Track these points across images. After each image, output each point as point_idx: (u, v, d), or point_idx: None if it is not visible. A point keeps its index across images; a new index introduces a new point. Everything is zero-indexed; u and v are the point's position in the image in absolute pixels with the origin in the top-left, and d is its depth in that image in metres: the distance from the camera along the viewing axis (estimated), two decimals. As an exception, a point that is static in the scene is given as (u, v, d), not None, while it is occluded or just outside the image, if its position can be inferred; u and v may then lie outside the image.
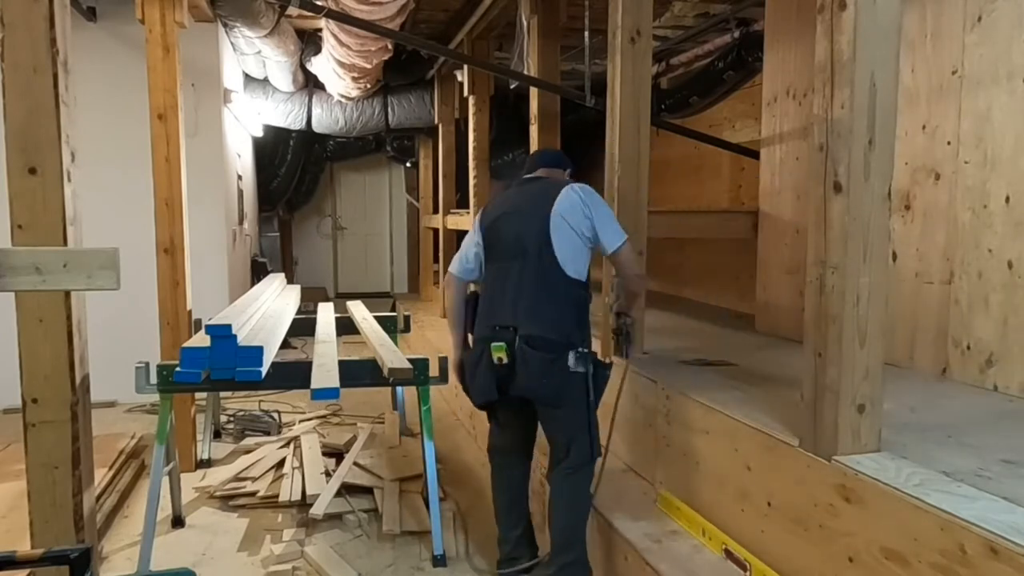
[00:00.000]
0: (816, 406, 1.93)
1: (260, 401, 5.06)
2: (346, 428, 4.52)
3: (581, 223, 2.52)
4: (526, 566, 2.68)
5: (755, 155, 3.94)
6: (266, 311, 3.68)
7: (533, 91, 4.32)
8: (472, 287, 2.82)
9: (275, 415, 4.70)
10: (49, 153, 2.08)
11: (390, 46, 5.69)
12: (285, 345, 3.61)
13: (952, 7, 2.71)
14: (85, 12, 4.99)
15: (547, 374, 2.45)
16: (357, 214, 10.29)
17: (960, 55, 2.69)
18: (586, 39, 4.27)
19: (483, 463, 4.12)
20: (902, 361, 2.91)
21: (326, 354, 3.14)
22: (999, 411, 2.38)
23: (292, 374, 2.98)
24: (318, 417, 4.74)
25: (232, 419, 4.67)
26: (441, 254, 7.32)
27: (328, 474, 3.67)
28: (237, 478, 3.68)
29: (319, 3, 4.24)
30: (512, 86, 6.02)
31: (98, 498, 3.11)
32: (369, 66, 5.98)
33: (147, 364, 2.93)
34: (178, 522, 3.30)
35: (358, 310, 4.34)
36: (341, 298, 8.08)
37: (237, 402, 5.06)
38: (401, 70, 6.96)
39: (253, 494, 3.56)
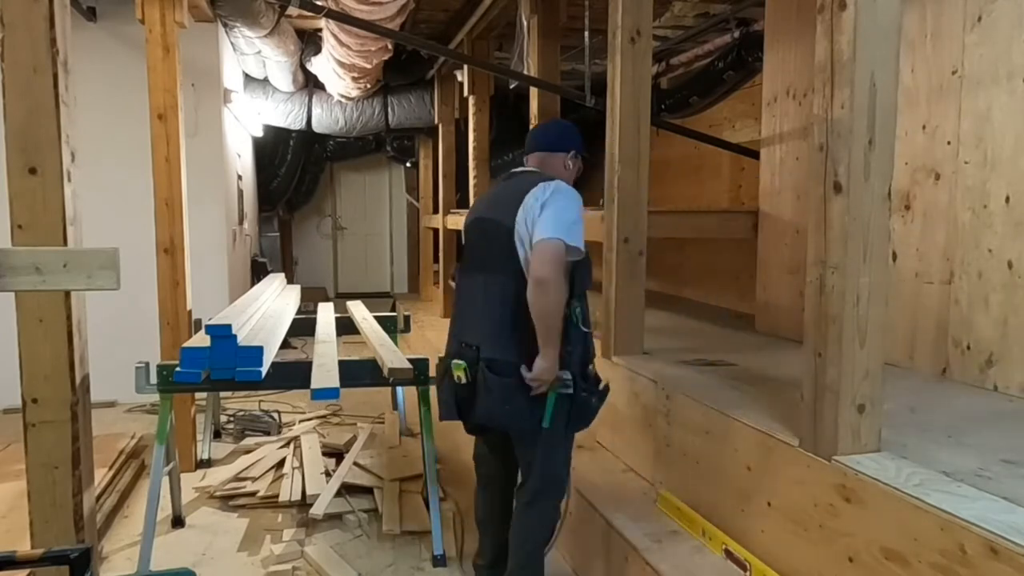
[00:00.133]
0: (816, 406, 1.93)
1: (260, 401, 5.06)
2: (346, 428, 4.52)
3: (532, 227, 2.17)
4: None
5: (755, 155, 3.94)
6: (266, 311, 3.68)
7: (533, 91, 4.32)
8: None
9: (275, 415, 4.70)
10: (49, 153, 2.08)
11: (390, 46, 5.69)
12: (285, 345, 3.62)
13: (952, 7, 2.71)
14: (85, 12, 4.99)
15: (508, 400, 2.19)
16: (357, 214, 10.30)
17: (960, 55, 2.69)
18: (586, 39, 4.28)
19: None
20: (902, 361, 2.91)
21: (326, 354, 3.14)
22: (999, 411, 2.38)
23: (292, 374, 2.98)
24: (318, 417, 4.74)
25: (232, 419, 4.67)
26: (441, 254, 7.32)
27: (328, 474, 3.67)
28: (237, 478, 3.68)
29: (319, 3, 4.24)
30: (512, 86, 6.03)
31: (98, 498, 3.11)
32: (369, 66, 5.98)
33: (147, 364, 2.93)
34: (178, 522, 3.30)
35: (358, 310, 4.34)
36: (341, 298, 8.08)
37: (237, 402, 5.06)
38: (401, 70, 6.96)
39: (253, 494, 3.56)
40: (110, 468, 3.55)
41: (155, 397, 3.03)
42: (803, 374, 1.99)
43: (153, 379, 2.91)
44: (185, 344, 2.77)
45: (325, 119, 7.32)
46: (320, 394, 2.65)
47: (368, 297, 5.66)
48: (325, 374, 2.79)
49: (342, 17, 4.40)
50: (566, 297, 2.16)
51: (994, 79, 2.56)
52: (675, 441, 2.65)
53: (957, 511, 1.53)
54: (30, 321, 2.12)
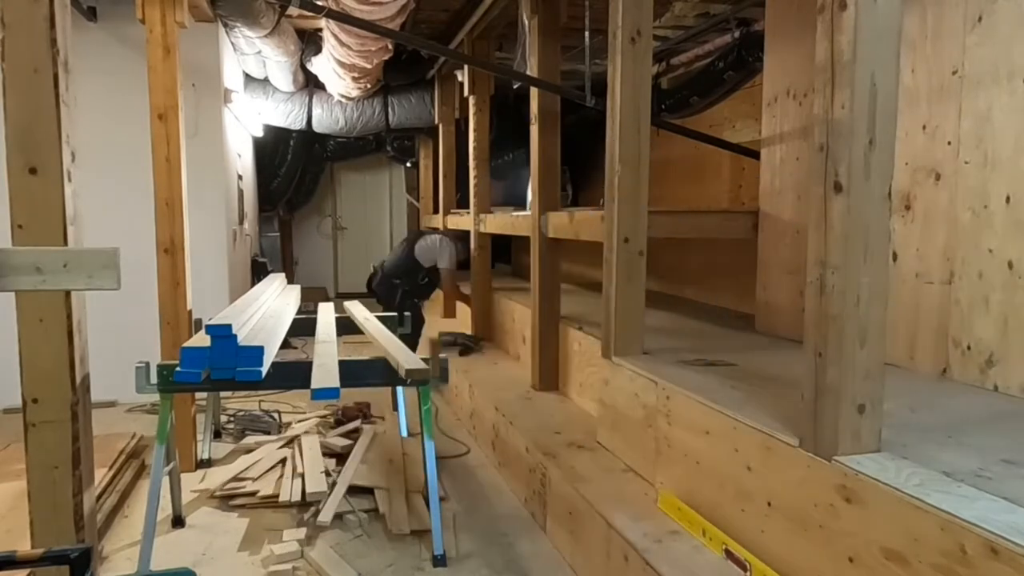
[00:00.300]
0: (816, 406, 1.93)
1: (260, 401, 5.06)
2: (346, 428, 4.52)
3: None
4: None
5: (755, 155, 3.93)
6: (266, 311, 3.68)
7: (533, 91, 4.32)
8: None
9: (275, 415, 4.70)
10: (49, 153, 2.08)
11: (390, 46, 5.69)
12: (285, 345, 3.61)
13: (952, 7, 2.71)
14: (85, 12, 4.99)
15: None
16: (357, 214, 10.30)
17: (960, 55, 2.69)
18: (586, 39, 4.27)
19: (483, 463, 4.13)
20: (902, 361, 2.90)
21: (326, 354, 3.14)
22: (999, 411, 2.38)
23: (292, 374, 2.97)
24: (318, 417, 4.74)
25: (232, 419, 4.67)
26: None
27: (328, 474, 3.67)
28: (237, 478, 3.68)
29: (319, 3, 4.24)
30: (515, 86, 6.03)
31: (98, 498, 3.11)
32: (369, 66, 5.98)
33: (147, 364, 2.93)
34: (178, 522, 3.30)
35: (357, 310, 4.34)
36: (341, 298, 8.08)
37: (237, 402, 5.06)
38: (401, 70, 6.96)
39: (253, 494, 3.56)
40: (110, 468, 3.55)
41: (155, 397, 3.02)
42: (803, 374, 1.99)
43: (153, 379, 2.91)
44: (185, 344, 2.77)
45: (325, 119, 7.32)
46: (320, 394, 2.65)
47: (368, 297, 5.66)
48: (325, 374, 2.79)
49: (342, 17, 4.40)
50: None
51: (994, 79, 2.56)
52: (675, 441, 2.65)
53: (957, 511, 1.53)
54: (30, 321, 2.12)
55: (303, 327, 4.06)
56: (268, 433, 4.45)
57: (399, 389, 4.58)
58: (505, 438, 3.89)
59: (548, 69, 4.28)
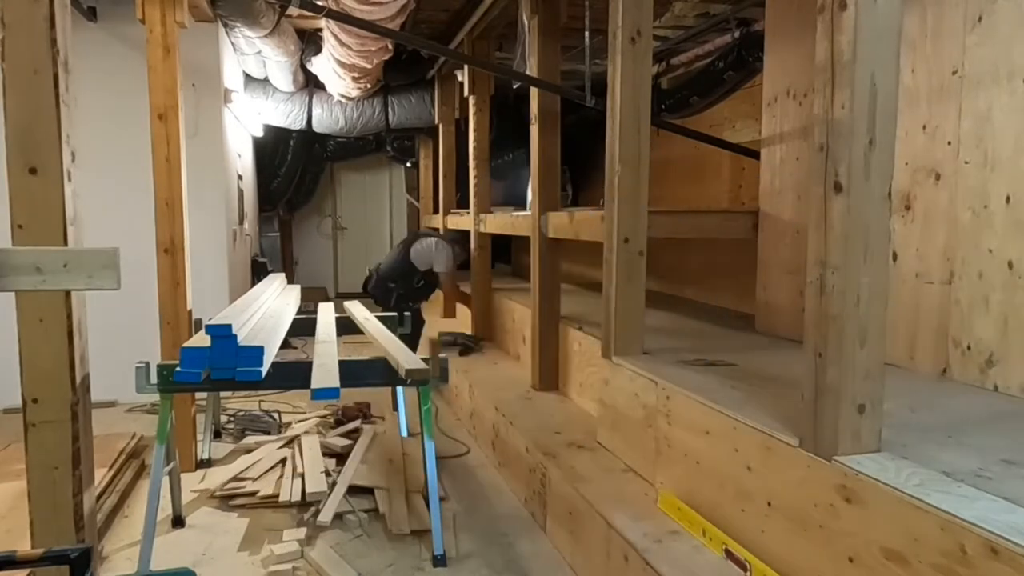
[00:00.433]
0: (816, 406, 1.93)
1: (260, 401, 5.06)
2: (346, 428, 4.52)
3: None
4: None
5: (755, 155, 3.93)
6: (266, 311, 3.68)
7: (533, 91, 4.32)
8: None
9: (275, 415, 4.70)
10: (49, 153, 2.08)
11: (390, 46, 5.69)
12: (285, 345, 3.61)
13: (952, 7, 2.71)
14: (85, 12, 4.99)
15: None
16: (357, 214, 10.30)
17: (960, 55, 2.69)
18: (586, 39, 4.27)
19: (483, 463, 4.13)
20: (902, 361, 2.90)
21: (326, 354, 3.14)
22: (999, 411, 2.38)
23: (292, 374, 2.97)
24: (318, 417, 4.74)
25: (232, 419, 4.67)
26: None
27: (328, 474, 3.67)
28: (237, 478, 3.68)
29: (319, 3, 4.24)
30: (514, 86, 6.03)
31: (98, 498, 3.11)
32: (369, 66, 5.98)
33: (147, 364, 2.93)
34: (178, 522, 3.30)
35: (357, 310, 4.34)
36: (341, 298, 8.08)
37: (237, 402, 5.06)
38: (401, 70, 6.96)
39: (253, 494, 3.56)
40: (110, 468, 3.55)
41: (155, 397, 3.02)
42: (803, 374, 1.99)
43: (153, 379, 2.90)
44: (185, 344, 2.77)
45: (325, 119, 7.31)
46: (320, 394, 2.65)
47: (367, 297, 5.66)
48: (325, 374, 2.79)
49: (342, 17, 4.40)
50: None
51: (994, 79, 2.56)
52: (675, 441, 2.65)
53: (957, 511, 1.53)
54: (30, 321, 2.11)
55: (303, 327, 4.06)
56: (268, 433, 4.45)
57: (399, 389, 4.58)
58: (505, 438, 3.89)
59: (548, 69, 4.28)
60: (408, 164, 9.81)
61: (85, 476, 2.25)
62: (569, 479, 2.98)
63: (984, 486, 1.68)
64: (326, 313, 4.22)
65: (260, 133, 7.25)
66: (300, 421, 4.64)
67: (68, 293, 2.12)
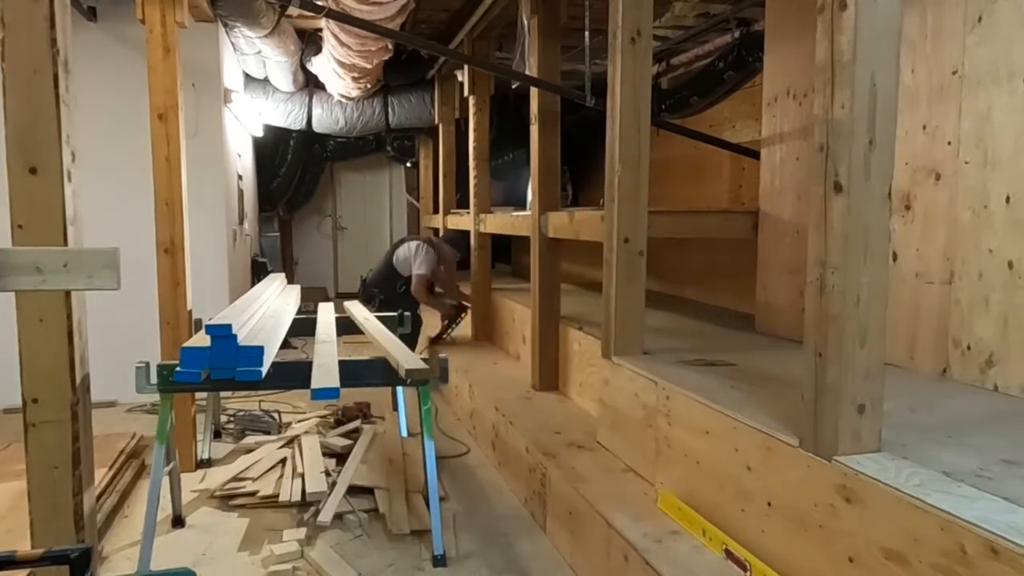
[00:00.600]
0: (816, 406, 1.93)
1: (260, 401, 5.06)
2: (346, 428, 4.52)
3: None
4: None
5: (755, 155, 3.93)
6: (266, 311, 3.68)
7: (533, 91, 4.32)
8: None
9: (275, 415, 4.70)
10: (49, 153, 2.08)
11: (390, 46, 5.69)
12: (285, 345, 3.61)
13: (952, 7, 2.71)
14: (85, 12, 4.99)
15: None
16: (357, 214, 10.30)
17: (960, 55, 2.69)
18: (586, 39, 4.27)
19: (483, 463, 4.13)
20: (902, 361, 2.90)
21: (326, 354, 3.14)
22: (999, 411, 2.38)
23: (292, 374, 2.97)
24: (318, 417, 4.74)
25: (232, 419, 4.67)
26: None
27: (328, 474, 3.67)
28: (237, 478, 3.68)
29: (319, 3, 4.24)
30: (514, 86, 6.03)
31: (98, 498, 3.11)
32: (369, 66, 5.98)
33: (147, 364, 2.93)
34: (178, 522, 3.30)
35: (357, 310, 4.34)
36: (341, 298, 8.08)
37: (237, 402, 5.06)
38: (401, 70, 6.96)
39: (253, 494, 3.56)
40: (110, 468, 3.55)
41: (155, 397, 3.02)
42: (803, 374, 1.99)
43: (153, 379, 2.90)
44: (185, 344, 2.77)
45: (325, 119, 7.31)
46: (320, 394, 2.65)
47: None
48: (325, 374, 2.79)
49: (342, 17, 4.40)
50: None
51: (994, 79, 2.56)
52: (675, 441, 2.65)
53: (957, 511, 1.53)
54: (30, 321, 2.11)
55: (303, 327, 4.06)
56: (268, 433, 4.45)
57: (399, 389, 4.58)
58: (505, 438, 3.89)
59: (548, 69, 4.28)
60: (408, 164, 9.81)
61: (85, 476, 2.25)
62: (569, 479, 2.98)
63: (984, 486, 1.68)
64: (326, 313, 4.22)
65: (260, 133, 7.25)
66: (300, 421, 4.64)
67: (68, 293, 2.12)
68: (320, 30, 5.70)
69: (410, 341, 4.60)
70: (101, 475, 3.34)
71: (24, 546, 2.26)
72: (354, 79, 6.37)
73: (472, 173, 6.22)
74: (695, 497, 2.49)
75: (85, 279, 1.94)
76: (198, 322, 3.89)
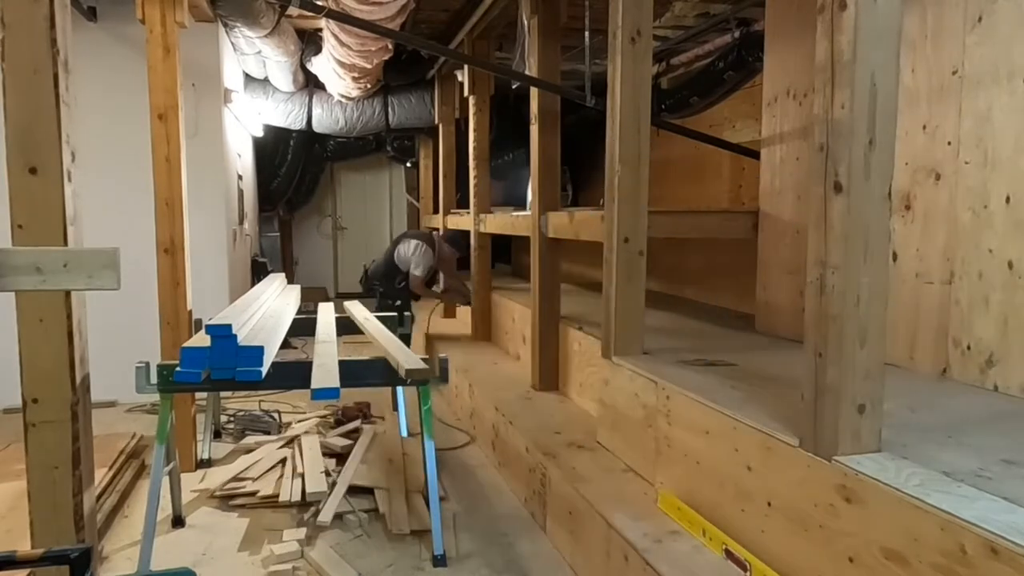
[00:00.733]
0: (816, 406, 1.93)
1: (260, 401, 5.06)
2: (346, 428, 4.52)
3: None
4: None
5: (755, 155, 3.93)
6: (266, 311, 3.68)
7: (533, 91, 4.32)
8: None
9: (275, 415, 4.70)
10: (49, 153, 2.08)
11: (390, 46, 5.69)
12: (285, 345, 3.61)
13: (952, 7, 2.71)
14: (85, 12, 4.99)
15: None
16: (357, 214, 10.30)
17: (960, 55, 2.69)
18: (586, 39, 4.27)
19: (483, 463, 4.13)
20: (902, 361, 2.90)
21: (326, 354, 3.14)
22: (999, 411, 2.38)
23: (292, 374, 2.97)
24: (318, 417, 4.74)
25: (232, 419, 4.67)
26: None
27: (328, 474, 3.67)
28: (237, 478, 3.68)
29: (319, 3, 4.24)
30: (514, 86, 6.03)
31: (98, 498, 3.11)
32: (369, 66, 5.98)
33: (147, 364, 2.93)
34: (178, 522, 3.30)
35: (357, 310, 4.34)
36: (341, 298, 8.09)
37: (237, 402, 5.06)
38: (401, 70, 6.96)
39: (253, 494, 3.56)
40: (110, 468, 3.55)
41: (155, 397, 3.02)
42: (803, 374, 1.99)
43: (153, 379, 2.90)
44: (185, 344, 2.77)
45: (325, 119, 7.31)
46: (320, 394, 2.65)
47: (367, 297, 5.69)
48: (325, 374, 2.79)
49: (342, 17, 4.40)
50: None
51: (994, 79, 2.56)
52: (675, 441, 2.65)
53: (957, 511, 1.53)
54: (30, 321, 2.11)
55: (303, 327, 4.06)
56: (268, 433, 4.45)
57: (399, 389, 4.58)
58: (505, 438, 3.89)
59: (548, 69, 4.28)
60: (408, 164, 9.81)
61: (85, 476, 2.25)
62: (569, 479, 2.98)
63: (984, 486, 1.68)
64: (326, 313, 4.22)
65: (260, 133, 7.25)
66: (300, 421, 4.64)
67: (68, 293, 2.12)
68: (320, 30, 5.70)
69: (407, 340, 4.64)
70: (101, 475, 3.34)
71: (24, 546, 2.26)
72: (354, 79, 6.37)
73: (472, 173, 6.22)
74: (695, 497, 2.49)
75: (85, 279, 1.94)
76: (198, 322, 3.89)
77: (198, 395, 4.14)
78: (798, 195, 3.39)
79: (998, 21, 2.55)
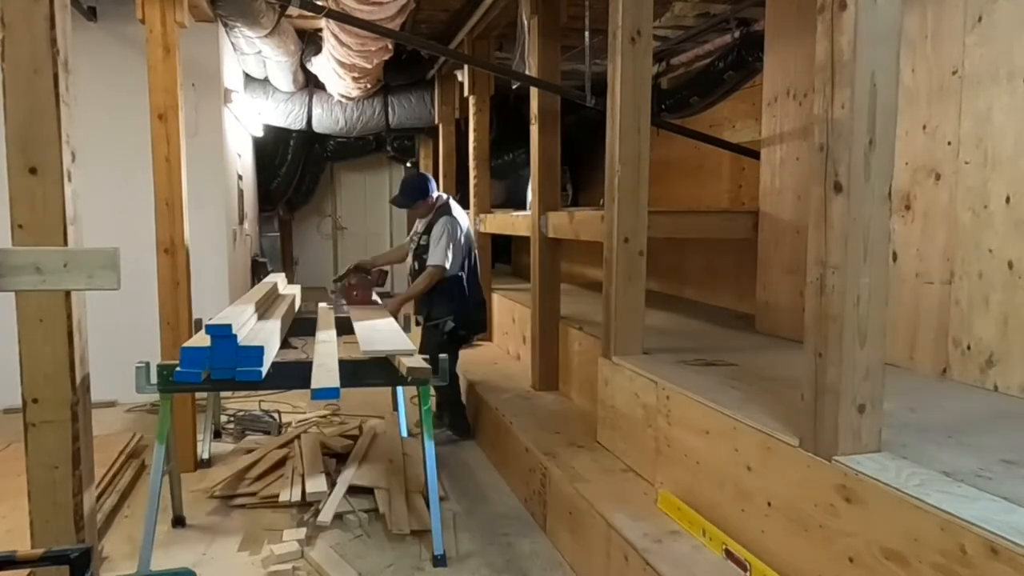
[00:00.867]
0: (816, 406, 1.93)
1: (260, 401, 5.05)
2: (346, 428, 4.52)
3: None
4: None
5: (755, 155, 3.94)
6: (266, 311, 3.67)
7: (533, 91, 4.32)
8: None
9: (275, 415, 4.70)
10: (49, 153, 2.08)
11: (390, 46, 5.69)
12: (285, 345, 3.61)
13: (952, 7, 2.71)
14: (85, 12, 4.99)
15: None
16: (357, 214, 10.29)
17: (960, 55, 2.69)
18: (586, 39, 4.27)
19: (483, 463, 4.13)
20: (902, 361, 2.90)
21: (326, 354, 3.13)
22: (999, 411, 2.38)
23: (292, 374, 2.97)
24: (318, 417, 4.74)
25: (232, 419, 4.67)
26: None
27: (328, 474, 3.67)
28: (237, 478, 3.68)
29: (319, 3, 4.24)
30: (514, 86, 6.03)
31: (98, 498, 3.11)
32: (369, 66, 5.98)
33: (147, 364, 2.93)
34: (178, 522, 3.30)
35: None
36: (341, 298, 8.09)
37: (237, 402, 5.06)
38: (401, 70, 6.96)
39: (253, 494, 3.56)
40: (110, 468, 3.55)
41: (155, 397, 3.02)
42: (803, 374, 1.99)
43: (153, 379, 2.90)
44: (185, 344, 2.77)
45: (325, 119, 7.31)
46: (320, 394, 2.65)
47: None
48: (325, 374, 2.79)
49: (342, 17, 4.40)
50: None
51: (994, 79, 2.56)
52: (675, 441, 2.65)
53: (957, 511, 1.53)
54: (30, 321, 2.11)
55: (303, 327, 4.06)
56: (268, 433, 4.45)
57: (399, 389, 4.58)
58: (505, 438, 3.89)
59: (548, 69, 4.28)
60: (408, 164, 9.80)
61: (85, 476, 2.25)
62: (569, 479, 2.98)
63: (984, 486, 1.68)
64: (326, 313, 4.21)
65: (260, 133, 7.25)
66: (300, 421, 4.64)
67: (68, 293, 2.12)
68: (320, 30, 5.70)
69: None
70: (101, 475, 3.34)
71: (24, 546, 2.26)
72: (354, 79, 6.37)
73: (472, 173, 6.22)
74: (695, 497, 2.49)
75: (85, 279, 1.94)
76: (198, 322, 3.89)
77: (198, 395, 4.14)
78: (798, 195, 3.40)
79: (998, 21, 2.55)
